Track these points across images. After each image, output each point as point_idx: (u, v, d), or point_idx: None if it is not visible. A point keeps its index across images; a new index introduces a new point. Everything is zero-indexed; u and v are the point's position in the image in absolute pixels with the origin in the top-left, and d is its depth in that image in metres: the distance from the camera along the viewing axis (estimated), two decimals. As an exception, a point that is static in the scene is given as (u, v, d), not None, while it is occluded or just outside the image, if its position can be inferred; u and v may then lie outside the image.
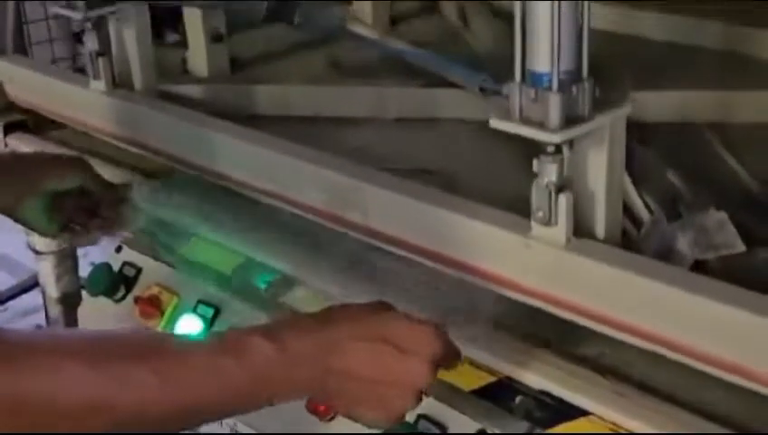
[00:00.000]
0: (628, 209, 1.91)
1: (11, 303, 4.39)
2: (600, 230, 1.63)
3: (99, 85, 2.30)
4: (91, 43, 2.26)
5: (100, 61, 2.27)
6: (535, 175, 1.57)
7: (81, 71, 2.48)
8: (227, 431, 2.04)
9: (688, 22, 2.68)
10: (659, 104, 2.33)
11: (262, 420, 1.78)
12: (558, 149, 1.54)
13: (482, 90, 2.16)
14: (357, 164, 1.93)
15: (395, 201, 1.82)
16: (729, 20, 2.64)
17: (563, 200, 1.56)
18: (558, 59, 1.47)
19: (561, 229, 1.58)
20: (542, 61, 1.49)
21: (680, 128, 2.28)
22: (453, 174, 2.14)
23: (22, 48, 2.61)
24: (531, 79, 1.51)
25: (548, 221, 1.58)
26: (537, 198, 1.58)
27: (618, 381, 1.61)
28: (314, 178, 1.94)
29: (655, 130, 2.26)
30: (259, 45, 2.77)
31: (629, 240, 1.84)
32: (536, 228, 1.60)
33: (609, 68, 2.39)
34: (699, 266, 1.69)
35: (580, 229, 1.62)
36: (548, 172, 1.55)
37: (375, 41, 2.00)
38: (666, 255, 1.74)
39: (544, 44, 1.48)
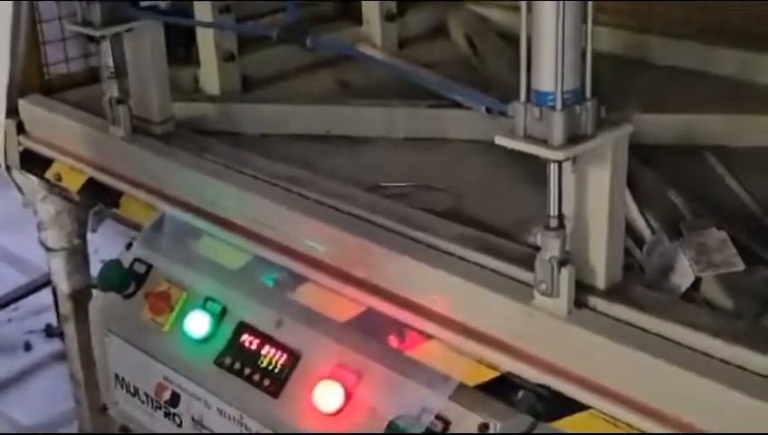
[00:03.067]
0: (630, 228, 1.96)
1: (23, 301, 4.44)
2: (601, 251, 1.66)
3: (118, 131, 2.35)
4: (110, 90, 2.31)
5: (120, 108, 2.32)
6: (538, 249, 1.63)
7: (94, 70, 2.51)
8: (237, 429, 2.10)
9: (694, 47, 2.72)
10: (664, 127, 2.37)
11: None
12: (561, 224, 1.59)
13: (488, 110, 2.20)
14: (367, 223, 1.96)
15: (401, 262, 1.85)
16: (734, 46, 2.69)
17: (566, 274, 1.61)
18: (562, 79, 1.51)
19: (562, 301, 1.63)
20: (546, 80, 1.53)
21: (684, 150, 2.32)
22: (460, 192, 2.18)
23: (35, 47, 2.64)
24: (535, 98, 1.55)
25: (550, 293, 1.63)
26: (540, 270, 1.63)
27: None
28: (322, 234, 1.98)
29: (659, 152, 2.31)
30: (270, 65, 2.81)
31: (631, 257, 1.88)
32: (539, 298, 1.65)
33: (615, 91, 2.45)
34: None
35: (583, 250, 1.66)
36: (551, 247, 1.61)
37: (384, 62, 2.04)
38: (667, 272, 1.78)
39: (548, 65, 1.52)
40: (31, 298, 4.42)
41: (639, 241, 1.91)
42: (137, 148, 2.32)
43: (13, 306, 4.50)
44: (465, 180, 2.24)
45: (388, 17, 2.98)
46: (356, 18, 3.02)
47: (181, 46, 2.76)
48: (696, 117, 2.39)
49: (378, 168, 2.33)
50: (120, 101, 2.32)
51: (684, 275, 1.75)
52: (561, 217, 1.61)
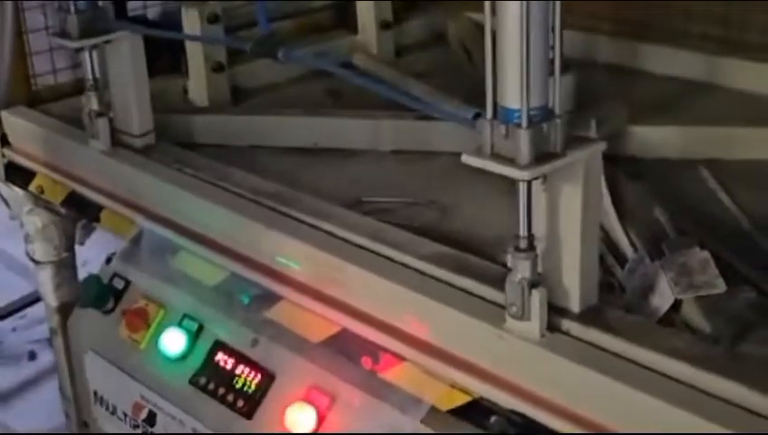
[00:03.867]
0: (613, 246, 1.89)
1: (29, 310, 4.42)
2: (574, 273, 1.60)
3: (97, 145, 2.30)
4: (89, 102, 2.27)
5: (100, 121, 2.27)
6: (509, 270, 1.57)
7: (81, 81, 2.42)
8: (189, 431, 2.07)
9: (692, 57, 2.65)
10: (658, 139, 2.31)
11: None
12: (531, 245, 1.54)
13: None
14: (343, 242, 1.91)
15: (373, 281, 1.80)
16: (734, 55, 2.62)
17: (537, 296, 1.55)
18: (527, 95, 1.45)
19: (534, 324, 1.57)
20: (512, 97, 1.48)
21: (677, 164, 2.26)
22: (444, 207, 2.13)
23: (22, 58, 2.60)
24: (502, 115, 1.49)
25: (521, 316, 1.57)
26: (510, 292, 1.57)
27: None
28: (297, 251, 1.93)
29: (651, 166, 2.25)
30: (261, 75, 2.76)
31: (612, 276, 1.82)
32: (510, 321, 1.60)
33: (607, 101, 2.39)
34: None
35: (555, 271, 1.60)
36: (521, 268, 1.55)
37: (354, 77, 2.00)
38: (647, 293, 1.72)
39: (514, 80, 1.46)
40: (36, 307, 4.39)
41: (622, 260, 1.85)
42: (115, 161, 2.28)
43: (19, 314, 4.47)
44: (451, 194, 2.18)
45: (384, 25, 2.92)
46: (352, 26, 2.97)
47: (170, 56, 2.72)
48: (690, 129, 2.33)
49: (363, 181, 2.28)
50: (99, 114, 2.27)
51: (663, 296, 1.68)
52: (531, 237, 1.55)
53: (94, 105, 2.27)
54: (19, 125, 2.54)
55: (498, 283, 1.65)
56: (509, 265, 1.57)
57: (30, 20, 2.64)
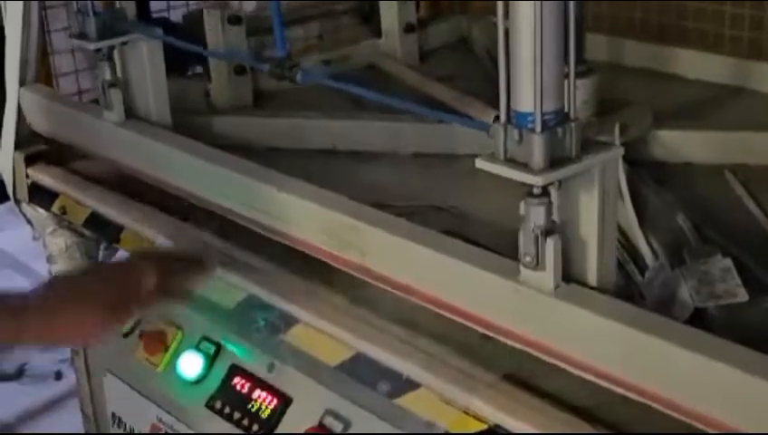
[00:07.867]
0: (634, 253, 1.85)
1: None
2: (591, 276, 1.56)
3: (111, 116, 2.28)
4: (103, 73, 2.25)
5: (112, 92, 2.25)
6: (522, 218, 1.52)
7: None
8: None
9: (723, 61, 2.61)
10: (683, 144, 2.26)
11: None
12: (545, 191, 1.48)
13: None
14: (356, 203, 1.88)
15: (390, 242, 1.77)
16: (766, 59, 2.57)
17: (551, 244, 1.50)
18: (540, 99, 1.41)
19: (549, 274, 1.52)
20: (525, 101, 1.44)
21: (703, 169, 2.22)
22: (464, 212, 2.09)
23: (48, 79, 2.59)
24: (515, 119, 1.46)
25: (536, 265, 1.52)
26: (524, 241, 1.52)
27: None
28: (314, 216, 1.90)
29: (676, 171, 2.21)
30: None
31: (633, 284, 1.78)
32: (525, 273, 1.55)
33: (632, 105, 2.35)
34: (699, 315, 1.63)
35: (572, 275, 1.56)
36: (535, 216, 1.50)
37: (371, 96, 1.99)
38: (667, 301, 1.68)
39: (527, 84, 1.42)
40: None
41: (643, 267, 1.81)
42: (131, 132, 2.26)
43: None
44: (473, 199, 2.14)
45: (408, 28, 2.89)
46: (376, 30, 2.94)
47: (193, 59, 2.70)
48: (716, 133, 2.28)
49: (382, 186, 2.25)
50: (111, 84, 2.25)
51: (683, 305, 1.65)
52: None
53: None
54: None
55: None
56: (522, 213, 1.52)
57: (56, 41, 2.64)
